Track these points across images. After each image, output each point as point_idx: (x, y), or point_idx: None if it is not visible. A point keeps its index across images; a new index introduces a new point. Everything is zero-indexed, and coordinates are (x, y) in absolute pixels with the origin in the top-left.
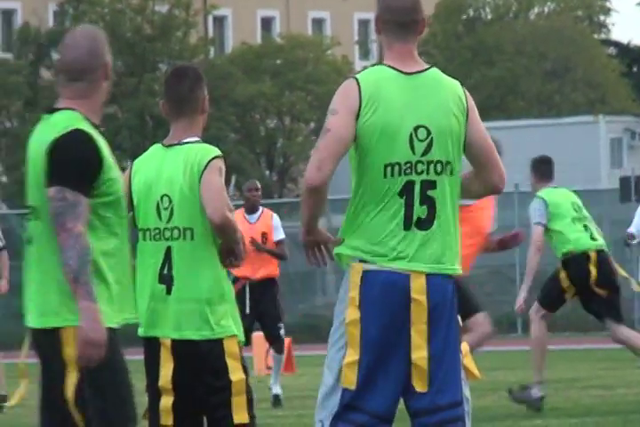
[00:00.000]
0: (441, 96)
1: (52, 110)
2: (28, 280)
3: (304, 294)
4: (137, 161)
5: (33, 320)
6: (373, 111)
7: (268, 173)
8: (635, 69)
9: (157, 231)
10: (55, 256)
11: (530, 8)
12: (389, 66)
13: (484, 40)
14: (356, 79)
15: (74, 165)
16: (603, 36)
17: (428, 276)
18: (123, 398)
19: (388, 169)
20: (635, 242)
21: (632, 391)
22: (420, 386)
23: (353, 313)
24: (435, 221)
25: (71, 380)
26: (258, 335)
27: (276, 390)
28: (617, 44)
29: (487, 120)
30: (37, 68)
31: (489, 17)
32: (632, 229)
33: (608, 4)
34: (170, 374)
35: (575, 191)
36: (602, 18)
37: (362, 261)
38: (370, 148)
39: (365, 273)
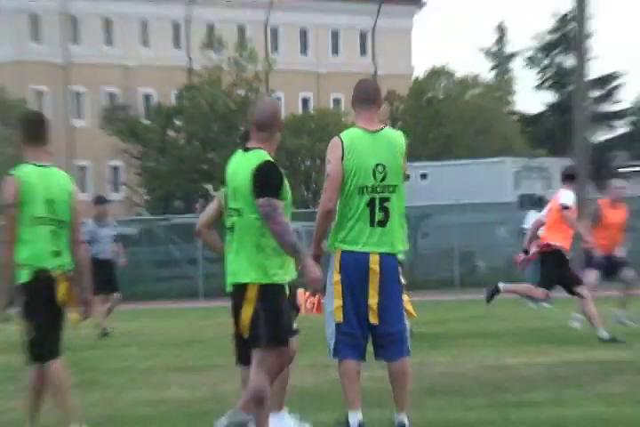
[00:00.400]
0: (391, 145)
1: (246, 149)
2: (228, 253)
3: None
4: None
5: (230, 278)
6: (351, 156)
7: (305, 193)
8: (528, 129)
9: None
10: (250, 239)
11: (466, 91)
12: (359, 127)
13: (438, 110)
14: (340, 137)
15: (272, 183)
16: (510, 107)
17: (381, 254)
18: (287, 323)
19: (360, 190)
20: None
21: None
22: (373, 320)
23: (336, 277)
24: (388, 222)
25: (248, 311)
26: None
27: None
28: (518, 113)
29: (442, 159)
30: (165, 129)
31: (441, 96)
32: (524, 225)
33: (514, 88)
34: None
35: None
36: (510, 96)
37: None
38: (349, 178)
39: (343, 253)
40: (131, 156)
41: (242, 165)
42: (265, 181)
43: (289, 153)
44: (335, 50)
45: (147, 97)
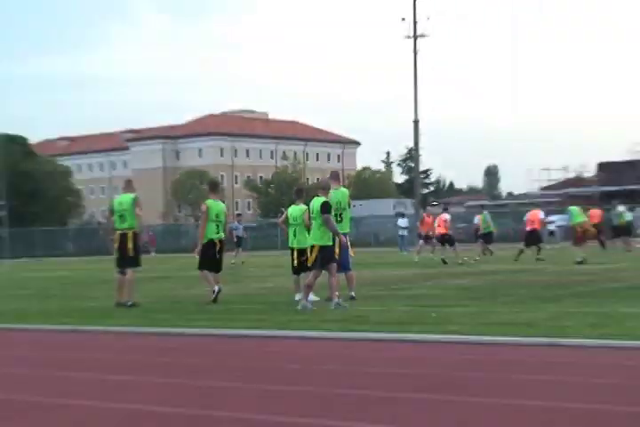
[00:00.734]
0: (342, 193)
1: (317, 195)
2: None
3: None
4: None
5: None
6: (331, 199)
7: None
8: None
9: None
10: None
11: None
12: (333, 187)
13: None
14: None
15: (326, 208)
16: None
17: (345, 234)
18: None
19: (334, 210)
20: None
21: None
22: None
23: (342, 241)
24: (343, 222)
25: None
26: None
27: None
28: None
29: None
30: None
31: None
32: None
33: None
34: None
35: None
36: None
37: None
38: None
39: (344, 234)
40: None
41: (317, 201)
42: (325, 207)
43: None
44: None
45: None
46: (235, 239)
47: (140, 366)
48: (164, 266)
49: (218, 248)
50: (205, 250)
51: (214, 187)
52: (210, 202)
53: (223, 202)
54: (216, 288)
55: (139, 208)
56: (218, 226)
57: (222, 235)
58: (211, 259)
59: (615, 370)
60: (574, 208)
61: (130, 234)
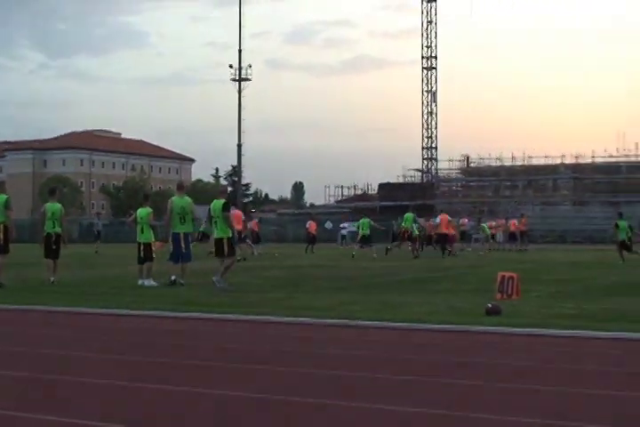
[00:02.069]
0: (186, 201)
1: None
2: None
3: None
4: None
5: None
6: (176, 205)
7: None
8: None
9: None
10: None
11: None
12: (179, 195)
13: None
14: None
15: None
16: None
17: (188, 233)
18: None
19: (179, 214)
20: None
21: None
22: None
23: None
24: (186, 224)
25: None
26: None
27: None
28: None
29: None
30: None
31: None
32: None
33: None
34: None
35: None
36: None
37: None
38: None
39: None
40: None
41: (218, 203)
42: (226, 207)
43: None
44: None
45: None
46: (96, 232)
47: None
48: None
49: (54, 240)
50: (45, 242)
51: (52, 192)
52: (48, 205)
53: (61, 204)
54: (52, 278)
55: (9, 208)
56: (54, 222)
57: (58, 229)
58: (48, 249)
59: (384, 345)
60: (409, 215)
61: (1, 227)
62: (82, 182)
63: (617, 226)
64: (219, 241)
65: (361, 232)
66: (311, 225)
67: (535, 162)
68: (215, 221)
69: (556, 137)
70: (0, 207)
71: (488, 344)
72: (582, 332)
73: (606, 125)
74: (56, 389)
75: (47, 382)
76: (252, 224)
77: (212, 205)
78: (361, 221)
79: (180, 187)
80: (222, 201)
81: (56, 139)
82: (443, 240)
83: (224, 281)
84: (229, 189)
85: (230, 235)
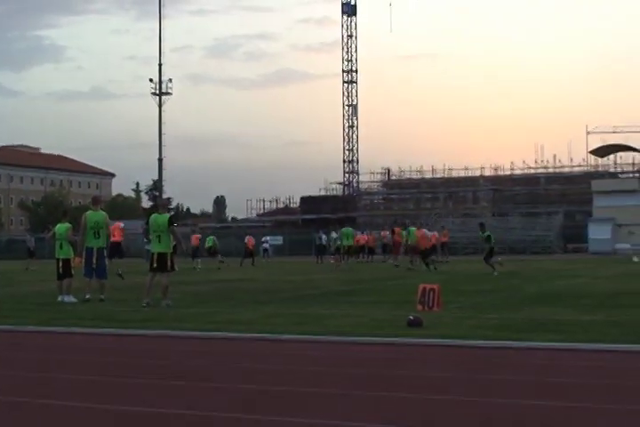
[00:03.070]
0: (101, 215)
1: (160, 212)
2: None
3: None
4: None
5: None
6: (90, 220)
7: None
8: (146, 207)
9: None
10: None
11: None
12: (94, 209)
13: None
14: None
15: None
16: None
17: (102, 248)
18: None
19: (92, 229)
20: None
21: None
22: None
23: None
24: (100, 238)
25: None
26: None
27: None
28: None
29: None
30: None
31: None
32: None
33: None
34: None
35: None
36: None
37: None
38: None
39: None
40: None
41: (161, 217)
42: (171, 221)
43: None
44: None
45: None
46: (30, 250)
47: None
48: None
49: None
50: None
51: None
52: None
53: None
54: None
55: None
56: None
57: None
58: None
59: (309, 359)
60: (348, 229)
61: None
62: (0, 198)
63: (489, 238)
64: (162, 256)
65: (345, 243)
66: (249, 240)
67: (455, 174)
68: (158, 235)
69: (475, 150)
70: None
71: (408, 356)
72: (503, 342)
73: (525, 138)
74: None
75: None
76: (193, 239)
77: (152, 219)
78: (343, 230)
79: (96, 201)
80: (167, 215)
81: None
82: (428, 253)
83: (170, 298)
84: (151, 203)
85: (172, 250)
